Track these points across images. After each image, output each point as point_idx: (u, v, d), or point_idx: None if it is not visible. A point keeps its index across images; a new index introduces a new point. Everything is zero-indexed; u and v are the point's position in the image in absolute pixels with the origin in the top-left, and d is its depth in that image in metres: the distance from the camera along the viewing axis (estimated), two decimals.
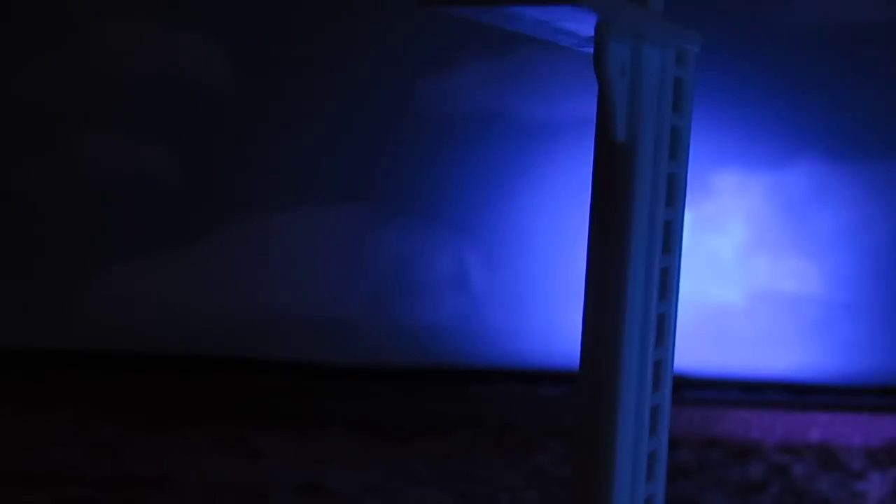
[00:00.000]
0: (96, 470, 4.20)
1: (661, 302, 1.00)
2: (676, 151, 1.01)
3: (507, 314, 5.43)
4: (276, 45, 5.50)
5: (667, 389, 1.02)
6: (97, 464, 4.28)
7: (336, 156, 5.53)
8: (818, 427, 4.86)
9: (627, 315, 0.94)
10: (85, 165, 5.67)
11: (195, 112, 5.59)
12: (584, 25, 0.85)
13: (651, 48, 0.94)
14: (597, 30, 0.85)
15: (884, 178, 5.14)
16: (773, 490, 4.08)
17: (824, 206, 5.19)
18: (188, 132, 5.63)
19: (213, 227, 5.67)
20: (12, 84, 5.68)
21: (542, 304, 5.33)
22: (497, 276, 5.45)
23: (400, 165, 5.47)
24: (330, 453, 4.48)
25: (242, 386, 5.53)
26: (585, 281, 0.95)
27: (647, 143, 0.95)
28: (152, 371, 5.67)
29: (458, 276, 5.49)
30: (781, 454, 4.50)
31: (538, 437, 4.69)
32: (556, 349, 5.16)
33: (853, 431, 4.79)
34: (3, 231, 5.78)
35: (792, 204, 5.22)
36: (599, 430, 0.94)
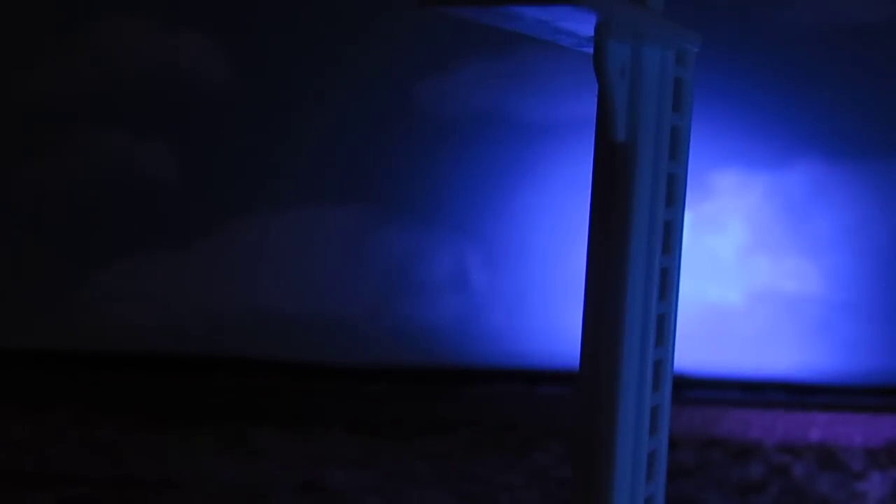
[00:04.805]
0: (96, 470, 4.20)
1: (661, 302, 1.00)
2: (676, 151, 1.01)
3: (507, 314, 5.43)
4: (276, 45, 5.51)
5: (667, 389, 1.02)
6: (97, 464, 4.28)
7: (336, 156, 5.54)
8: (818, 427, 4.86)
9: (627, 315, 0.94)
10: (85, 165, 5.67)
11: (195, 112, 5.60)
12: (584, 25, 0.85)
13: (651, 48, 0.94)
14: (597, 30, 0.85)
15: (884, 178, 5.15)
16: (773, 490, 4.08)
17: (824, 206, 5.19)
18: (188, 132, 5.63)
19: (212, 227, 5.68)
20: (12, 84, 5.68)
21: (542, 304, 5.33)
22: (497, 277, 5.46)
23: (400, 165, 5.47)
24: (330, 453, 4.48)
25: (242, 386, 5.53)
26: (585, 281, 0.95)
27: (647, 143, 0.95)
28: (152, 371, 5.68)
29: (459, 276, 5.49)
30: (781, 454, 4.50)
31: (538, 437, 4.69)
32: (556, 349, 5.16)
33: (853, 431, 4.79)
34: (2, 231, 5.78)
35: (792, 204, 5.22)
36: (599, 430, 0.94)
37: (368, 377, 5.54)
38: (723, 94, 5.00)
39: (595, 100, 0.91)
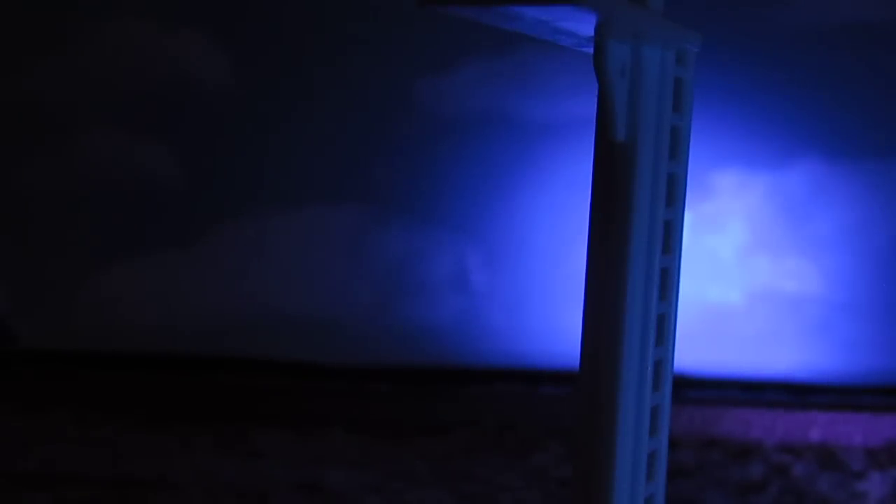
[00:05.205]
0: (96, 470, 4.20)
1: (661, 302, 1.00)
2: (676, 151, 1.01)
3: (507, 314, 5.43)
4: (275, 45, 5.51)
5: (667, 389, 1.02)
6: (97, 464, 4.28)
7: (336, 156, 5.54)
8: (818, 427, 4.86)
9: (627, 315, 0.94)
10: (85, 165, 5.67)
11: (195, 112, 5.60)
12: (584, 25, 0.85)
13: (651, 48, 0.94)
14: (597, 30, 0.85)
15: (884, 178, 5.15)
16: (773, 490, 4.08)
17: (824, 206, 5.19)
18: (188, 132, 5.64)
19: (212, 227, 5.68)
20: (12, 84, 5.68)
21: (542, 304, 5.33)
22: (497, 276, 5.46)
23: (400, 165, 5.47)
24: (330, 453, 4.48)
25: (242, 386, 5.53)
26: (585, 281, 0.95)
27: (647, 143, 0.95)
28: (152, 371, 5.68)
29: (458, 276, 5.49)
30: (781, 454, 4.50)
31: (538, 437, 4.69)
32: (556, 349, 5.16)
33: (853, 431, 4.79)
34: (2, 231, 5.78)
35: (792, 204, 5.22)
36: (599, 430, 0.94)
37: (368, 377, 5.54)
38: (723, 94, 5.00)
39: (595, 100, 0.91)
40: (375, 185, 5.53)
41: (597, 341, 0.93)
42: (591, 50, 0.87)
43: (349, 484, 4.09)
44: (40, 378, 5.59)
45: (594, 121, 0.92)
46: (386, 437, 4.68)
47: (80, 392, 5.39)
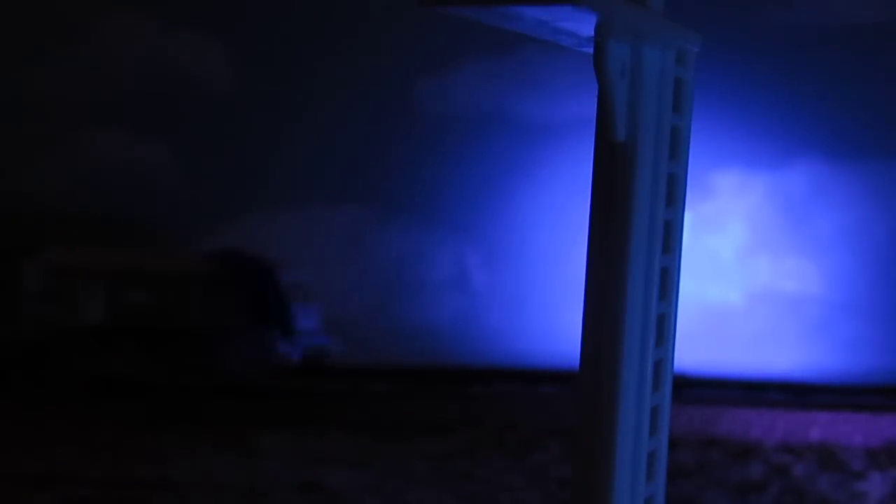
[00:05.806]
0: (96, 470, 4.20)
1: (661, 302, 1.00)
2: (676, 151, 1.01)
3: (507, 314, 5.44)
4: (276, 45, 5.51)
5: (667, 389, 1.02)
6: (97, 464, 4.28)
7: (336, 156, 5.55)
8: (818, 426, 4.86)
9: (627, 315, 0.94)
10: (85, 165, 5.68)
11: (195, 112, 5.61)
12: (584, 25, 0.85)
13: (651, 48, 0.94)
14: (597, 30, 0.85)
15: (884, 178, 5.15)
16: (773, 490, 4.08)
17: (824, 206, 5.20)
18: (188, 132, 5.64)
19: (213, 227, 5.68)
20: (13, 84, 5.68)
21: (542, 304, 5.34)
22: (497, 276, 5.46)
23: (400, 165, 5.48)
24: (330, 453, 4.48)
25: (242, 386, 5.53)
26: (585, 281, 0.95)
27: (647, 143, 0.95)
28: (152, 371, 5.67)
29: (458, 276, 5.50)
30: (781, 454, 4.50)
31: (538, 437, 4.69)
32: (556, 349, 5.16)
33: (853, 431, 4.79)
34: (3, 230, 5.78)
35: (792, 204, 5.23)
36: (599, 430, 0.94)
37: (368, 377, 5.54)
38: (723, 94, 5.01)
39: (595, 100, 0.91)
40: (375, 185, 5.54)
41: (597, 341, 0.93)
42: (591, 50, 0.87)
43: (349, 484, 4.09)
44: (40, 378, 5.59)
45: (594, 121, 0.92)
46: (386, 437, 4.68)
47: (81, 392, 5.39)
